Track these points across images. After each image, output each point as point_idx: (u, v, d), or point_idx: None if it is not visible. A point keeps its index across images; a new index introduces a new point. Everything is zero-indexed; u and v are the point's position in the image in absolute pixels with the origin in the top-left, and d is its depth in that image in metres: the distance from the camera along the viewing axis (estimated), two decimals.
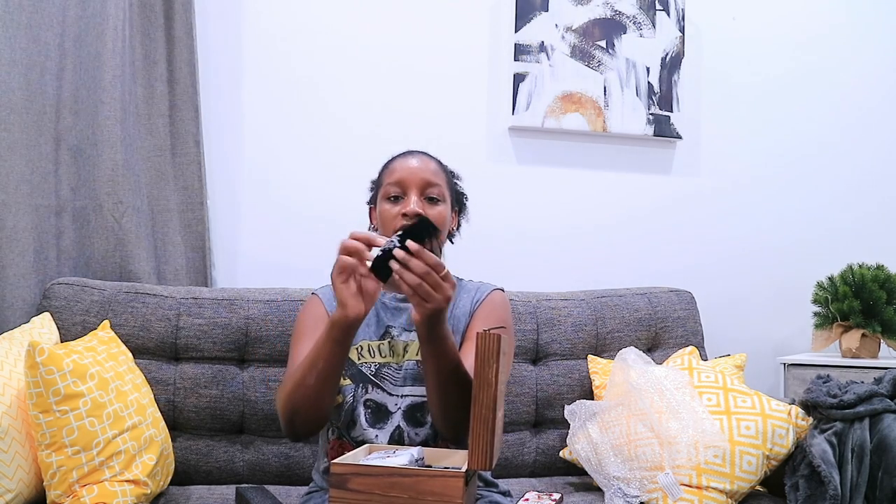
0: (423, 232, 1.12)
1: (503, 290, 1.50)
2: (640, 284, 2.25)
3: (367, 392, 1.37)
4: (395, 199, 1.38)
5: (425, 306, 1.13)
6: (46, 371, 1.40)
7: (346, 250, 1.15)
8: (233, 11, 2.23)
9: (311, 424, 1.30)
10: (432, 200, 1.38)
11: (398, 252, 1.10)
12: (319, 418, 1.29)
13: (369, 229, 1.47)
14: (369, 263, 1.13)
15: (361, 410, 1.36)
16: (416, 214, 1.33)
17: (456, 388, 1.22)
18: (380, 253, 1.12)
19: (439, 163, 1.45)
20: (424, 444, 1.34)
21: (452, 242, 1.51)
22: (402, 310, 1.43)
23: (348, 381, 1.38)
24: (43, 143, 1.91)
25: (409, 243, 1.10)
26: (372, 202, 1.48)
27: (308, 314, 1.44)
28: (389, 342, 1.40)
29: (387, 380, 1.37)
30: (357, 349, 1.39)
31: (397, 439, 1.34)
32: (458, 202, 1.51)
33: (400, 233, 1.12)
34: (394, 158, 1.45)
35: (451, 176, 1.49)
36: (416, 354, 1.38)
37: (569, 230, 2.42)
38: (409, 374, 1.37)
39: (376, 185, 1.46)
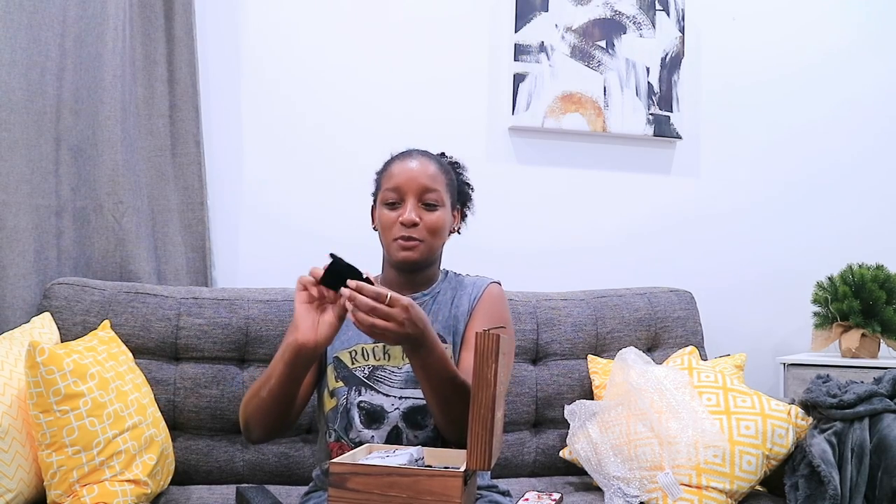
0: (344, 272, 1.13)
1: (499, 284, 1.49)
2: (639, 284, 2.25)
3: (360, 394, 1.36)
4: (393, 205, 1.37)
5: (386, 340, 1.14)
6: (47, 371, 1.40)
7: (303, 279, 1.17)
8: (233, 11, 2.23)
9: (264, 434, 1.32)
10: (430, 206, 1.37)
11: (344, 290, 1.11)
12: (273, 430, 1.32)
13: (374, 228, 1.46)
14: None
15: (356, 413, 1.36)
16: (413, 223, 1.34)
17: (452, 395, 1.22)
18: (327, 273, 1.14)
19: (439, 163, 1.43)
20: (424, 445, 1.34)
21: (459, 233, 1.50)
22: None
23: (341, 384, 1.38)
24: (43, 143, 1.91)
25: (347, 286, 1.11)
26: (374, 202, 1.48)
27: None
28: (384, 345, 1.39)
29: (382, 382, 1.37)
30: (351, 353, 1.39)
31: (395, 440, 1.34)
32: (462, 197, 1.50)
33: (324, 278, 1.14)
34: (393, 160, 1.43)
35: (452, 173, 1.47)
36: None
37: (568, 230, 2.42)
38: (409, 378, 1.36)
39: (376, 186, 1.46)
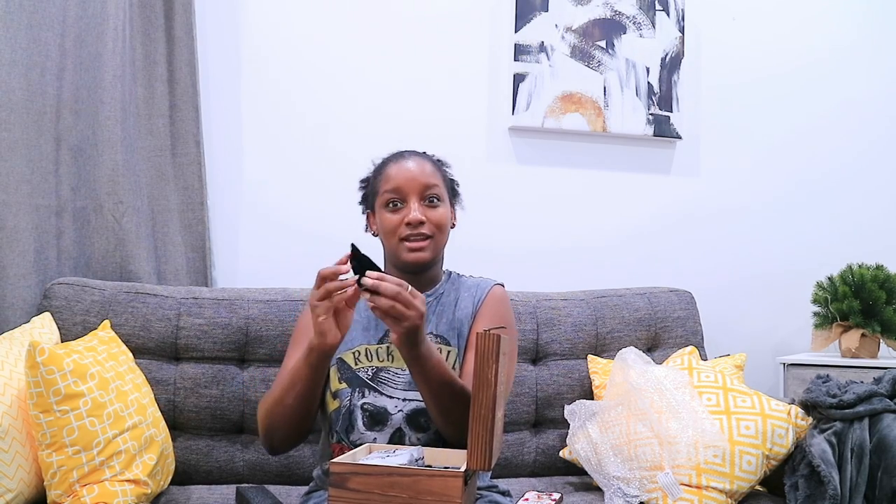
0: (363, 262, 1.14)
1: (503, 286, 1.50)
2: (639, 284, 2.25)
3: (363, 396, 1.36)
4: (395, 207, 1.37)
5: (402, 325, 1.14)
6: (47, 371, 1.40)
7: (322, 279, 1.15)
8: (232, 11, 2.23)
9: (288, 441, 1.34)
10: (432, 204, 1.38)
11: (367, 280, 1.12)
12: (298, 436, 1.33)
13: (373, 234, 1.46)
14: (350, 275, 1.14)
15: (359, 414, 1.35)
16: (420, 221, 1.34)
17: (450, 400, 1.23)
18: (353, 275, 1.15)
19: (432, 161, 1.44)
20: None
21: (453, 227, 1.50)
22: None
23: (344, 385, 1.37)
24: (43, 143, 1.91)
25: (368, 276, 1.12)
26: (369, 207, 1.47)
27: (302, 324, 1.44)
28: (388, 347, 1.39)
29: (385, 384, 1.37)
30: (354, 354, 1.39)
31: (398, 443, 1.33)
32: (453, 193, 1.50)
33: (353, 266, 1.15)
34: (387, 162, 1.43)
35: (445, 170, 1.47)
36: None
37: (568, 230, 2.42)
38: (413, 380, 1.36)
39: (371, 190, 1.45)
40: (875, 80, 2.64)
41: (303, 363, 1.23)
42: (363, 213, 1.50)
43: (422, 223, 1.35)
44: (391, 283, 1.12)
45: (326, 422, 1.42)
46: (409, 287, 1.14)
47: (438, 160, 1.49)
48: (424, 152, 1.50)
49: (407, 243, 1.36)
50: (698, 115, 2.52)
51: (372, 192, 1.44)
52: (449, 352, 1.39)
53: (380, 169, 1.44)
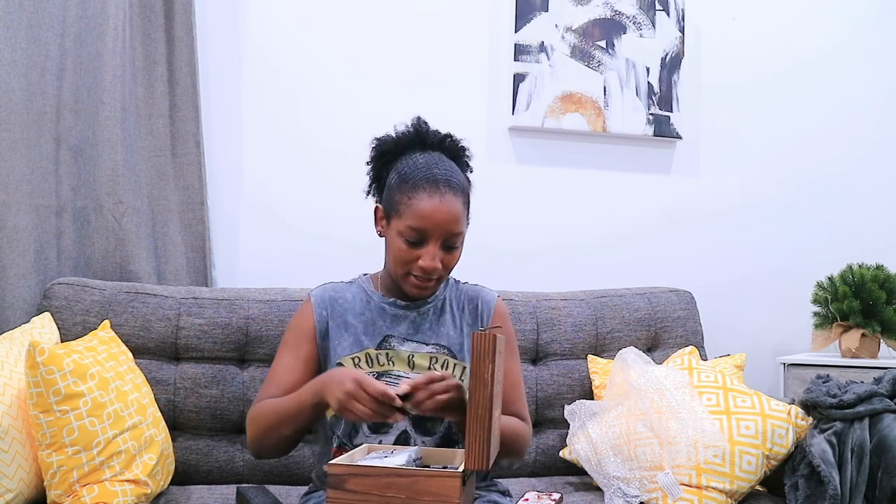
0: None
1: (499, 296, 1.50)
2: (639, 284, 2.25)
3: None
4: (413, 242, 1.30)
5: (453, 409, 1.18)
6: (47, 371, 1.40)
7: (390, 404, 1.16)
8: (232, 11, 2.23)
9: (278, 454, 1.38)
10: (451, 248, 1.33)
11: (404, 400, 1.16)
12: (288, 450, 1.38)
13: (378, 234, 1.40)
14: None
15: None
16: (434, 269, 1.31)
17: (514, 444, 1.30)
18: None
19: (463, 193, 1.34)
20: None
21: None
22: (402, 317, 1.40)
23: None
24: (43, 143, 1.92)
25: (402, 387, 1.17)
26: (381, 204, 1.38)
27: (296, 325, 1.42)
28: (388, 353, 1.37)
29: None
30: (354, 360, 1.36)
31: (404, 444, 1.33)
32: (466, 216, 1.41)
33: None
34: (419, 186, 1.29)
35: (468, 187, 1.39)
36: (429, 368, 1.36)
37: (568, 230, 2.42)
38: None
39: (391, 198, 1.33)
40: (875, 79, 2.64)
41: (308, 407, 1.25)
42: (371, 195, 1.43)
43: (435, 269, 1.31)
44: (420, 383, 1.16)
45: (327, 426, 1.41)
46: (432, 372, 1.19)
47: (466, 190, 1.37)
48: (455, 180, 1.34)
49: (413, 279, 1.33)
50: (698, 115, 2.52)
51: (390, 201, 1.33)
52: (455, 364, 1.38)
53: (409, 188, 1.30)
